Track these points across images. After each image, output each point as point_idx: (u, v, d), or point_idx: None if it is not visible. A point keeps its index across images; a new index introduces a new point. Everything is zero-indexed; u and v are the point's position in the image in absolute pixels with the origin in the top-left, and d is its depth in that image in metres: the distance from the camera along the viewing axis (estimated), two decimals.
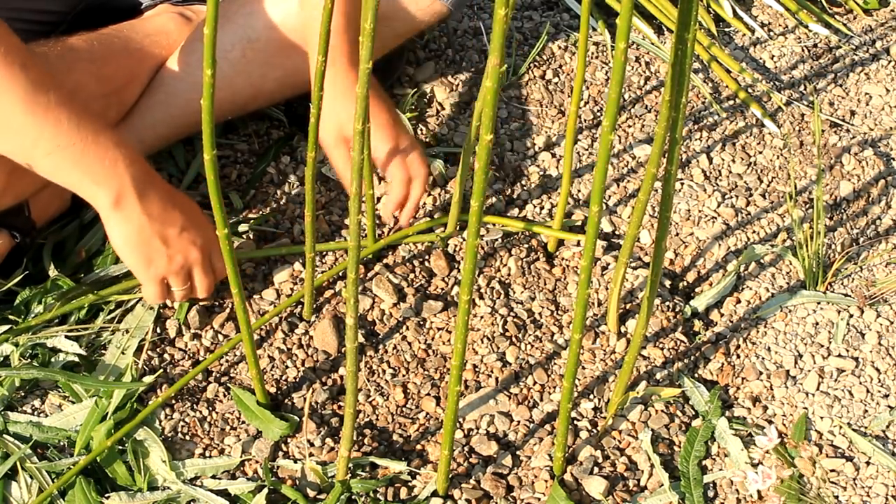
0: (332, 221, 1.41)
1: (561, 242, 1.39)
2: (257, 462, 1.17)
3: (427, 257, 1.38)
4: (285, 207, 1.43)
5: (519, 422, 1.22)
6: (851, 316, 1.32)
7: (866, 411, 1.22)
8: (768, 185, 1.49)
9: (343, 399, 1.23)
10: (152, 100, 1.38)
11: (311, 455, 1.18)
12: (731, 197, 1.47)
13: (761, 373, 1.27)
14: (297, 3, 1.36)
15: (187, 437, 1.19)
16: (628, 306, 1.33)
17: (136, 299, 1.30)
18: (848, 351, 1.28)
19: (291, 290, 1.33)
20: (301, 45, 1.37)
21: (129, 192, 1.15)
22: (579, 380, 1.26)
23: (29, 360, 1.22)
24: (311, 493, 1.15)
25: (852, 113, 1.60)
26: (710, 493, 1.16)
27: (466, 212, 1.38)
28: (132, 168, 1.16)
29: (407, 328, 1.30)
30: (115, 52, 1.34)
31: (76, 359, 1.23)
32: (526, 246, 1.39)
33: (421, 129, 1.54)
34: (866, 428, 1.21)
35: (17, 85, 1.08)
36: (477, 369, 1.26)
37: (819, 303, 1.33)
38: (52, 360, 1.23)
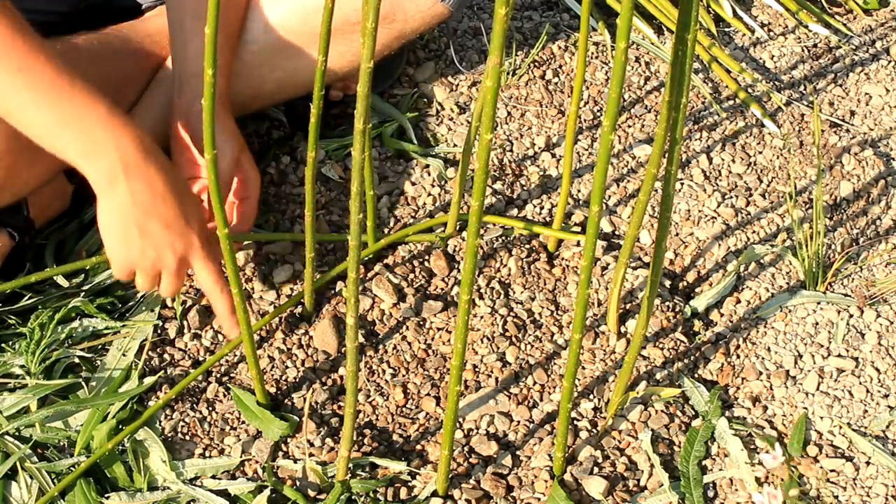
0: (332, 221, 1.41)
1: (561, 242, 1.39)
2: (257, 462, 1.17)
3: (427, 257, 1.38)
4: (285, 207, 1.43)
5: (519, 422, 1.22)
6: (851, 316, 1.31)
7: (866, 411, 1.22)
8: (768, 185, 1.49)
9: (343, 399, 1.23)
10: (152, 100, 1.38)
11: (311, 455, 1.18)
12: (731, 197, 1.47)
13: (761, 373, 1.27)
14: (296, 4, 1.36)
15: (187, 438, 1.19)
16: (628, 306, 1.33)
17: (138, 301, 1.30)
18: (848, 351, 1.28)
19: (291, 290, 1.33)
20: (301, 46, 1.37)
21: (118, 169, 1.08)
22: (579, 380, 1.26)
23: (42, 363, 1.22)
24: (312, 494, 1.15)
25: (852, 113, 1.60)
26: (710, 493, 1.16)
27: (467, 212, 1.38)
28: (126, 142, 1.09)
29: (407, 328, 1.30)
30: (115, 52, 1.34)
31: (77, 360, 1.23)
32: (526, 246, 1.39)
33: (421, 129, 1.54)
34: (866, 428, 1.21)
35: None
36: (477, 369, 1.26)
37: (819, 303, 1.33)
38: (56, 367, 1.22)
